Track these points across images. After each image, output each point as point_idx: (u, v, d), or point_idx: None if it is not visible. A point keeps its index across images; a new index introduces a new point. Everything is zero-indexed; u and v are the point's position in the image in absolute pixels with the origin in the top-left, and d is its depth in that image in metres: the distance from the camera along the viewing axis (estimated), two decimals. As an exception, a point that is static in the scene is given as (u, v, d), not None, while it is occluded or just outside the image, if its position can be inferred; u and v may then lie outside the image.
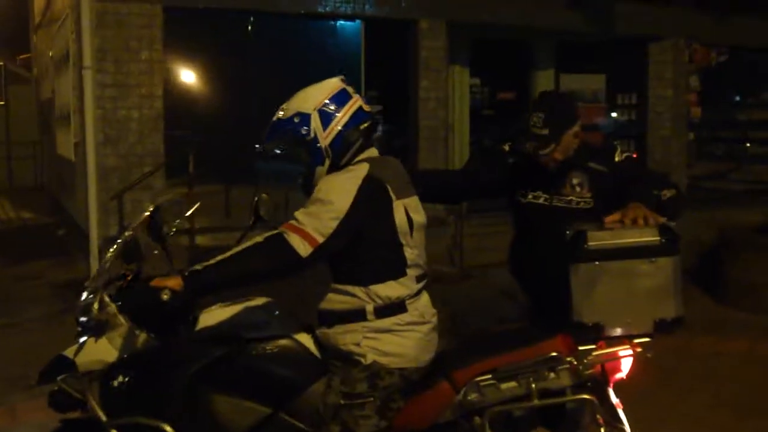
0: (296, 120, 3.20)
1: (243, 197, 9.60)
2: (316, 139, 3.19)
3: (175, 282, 3.00)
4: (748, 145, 15.91)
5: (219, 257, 3.03)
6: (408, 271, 3.21)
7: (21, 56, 25.40)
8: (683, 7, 13.13)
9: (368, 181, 3.10)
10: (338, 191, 3.06)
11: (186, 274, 3.02)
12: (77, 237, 10.92)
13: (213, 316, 3.48)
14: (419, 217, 3.31)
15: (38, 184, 21.23)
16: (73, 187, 11.29)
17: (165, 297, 2.99)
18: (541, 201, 3.99)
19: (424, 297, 3.34)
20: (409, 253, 3.21)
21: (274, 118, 3.28)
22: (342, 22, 11.86)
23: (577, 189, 3.91)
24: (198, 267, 3.02)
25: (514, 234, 4.25)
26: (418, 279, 3.27)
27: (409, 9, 11.14)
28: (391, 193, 3.16)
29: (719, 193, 14.61)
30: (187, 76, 10.58)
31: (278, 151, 3.31)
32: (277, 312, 3.58)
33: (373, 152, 3.32)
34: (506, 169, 4.10)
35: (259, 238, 3.03)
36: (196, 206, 4.22)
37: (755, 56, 15.13)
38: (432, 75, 11.29)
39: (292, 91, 3.34)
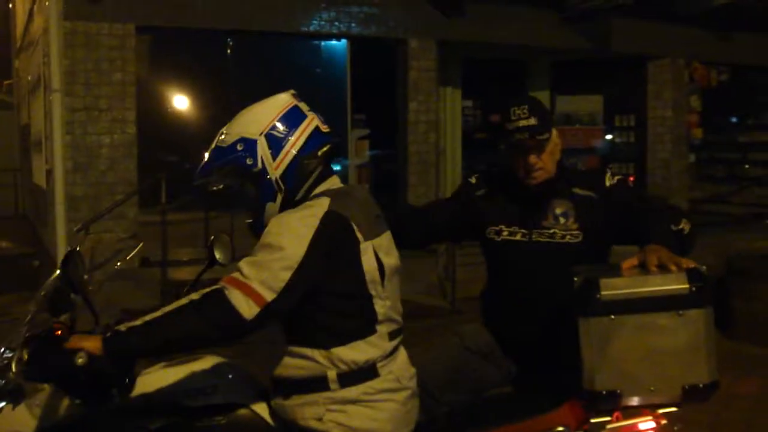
0: (239, 147, 2.66)
1: (224, 226, 9.12)
2: (264, 171, 2.65)
3: (93, 344, 2.49)
4: (746, 166, 15.49)
5: (147, 317, 2.50)
6: (379, 327, 2.66)
7: (6, 81, 25.12)
8: (683, 24, 12.80)
9: (329, 219, 2.56)
10: (291, 234, 2.52)
11: (107, 334, 2.51)
12: (51, 269, 10.39)
13: (152, 379, 2.94)
14: (392, 259, 2.76)
15: (19, 212, 20.75)
16: (46, 217, 10.82)
17: (80, 361, 2.48)
18: (518, 237, 3.37)
19: (401, 356, 2.79)
20: (380, 306, 2.66)
21: (213, 145, 2.73)
22: (327, 41, 11.40)
23: (561, 220, 3.30)
24: (122, 327, 2.51)
25: (487, 280, 3.62)
26: (392, 335, 2.71)
27: (397, 28, 10.78)
28: (358, 234, 2.61)
29: (721, 217, 14.24)
30: (162, 98, 10.05)
31: (216, 188, 2.77)
32: (230, 375, 3.02)
33: (334, 182, 2.78)
34: (474, 204, 3.52)
35: (194, 295, 2.49)
36: (137, 249, 3.66)
37: (757, 75, 14.74)
38: (422, 97, 10.93)
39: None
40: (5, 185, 21.57)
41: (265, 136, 2.64)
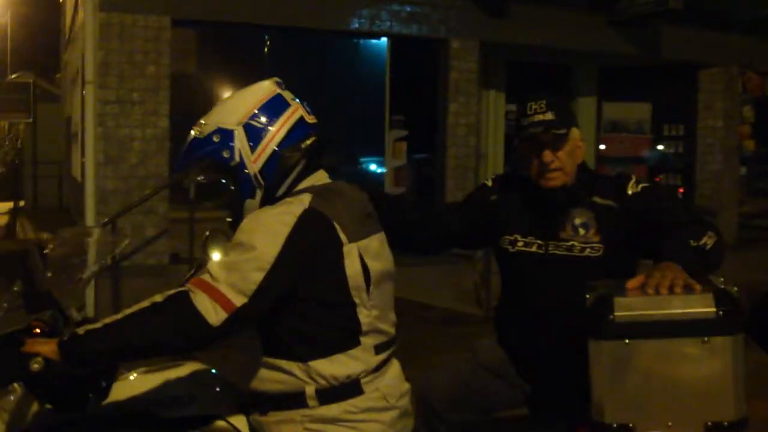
0: (216, 139, 2.43)
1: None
2: (242, 164, 2.42)
3: (49, 348, 2.28)
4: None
5: (108, 319, 2.28)
6: (363, 339, 2.41)
7: (58, 74, 25.40)
8: (736, 32, 12.44)
9: (307, 218, 2.31)
10: (264, 233, 2.28)
11: (65, 338, 2.30)
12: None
13: (127, 386, 2.74)
14: (380, 264, 2.50)
15: (63, 204, 20.89)
16: (82, 210, 10.75)
17: (35, 367, 2.29)
18: (534, 249, 3.10)
19: (391, 372, 2.53)
20: (365, 316, 2.40)
21: (189, 137, 2.49)
22: (367, 39, 11.19)
23: (581, 231, 3.03)
24: (80, 331, 2.29)
25: (501, 292, 3.36)
26: (379, 349, 2.46)
27: (438, 27, 10.53)
28: (341, 234, 2.36)
29: (773, 233, 13.83)
30: (196, 93, 9.90)
31: (192, 183, 2.53)
32: (210, 384, 2.80)
33: (320, 177, 2.54)
34: (489, 209, 3.25)
35: (158, 297, 2.26)
36: (124, 244, 3.45)
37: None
38: (462, 99, 10.64)
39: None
40: (50, 177, 21.80)
41: (244, 126, 2.42)
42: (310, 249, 2.31)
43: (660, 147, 13.36)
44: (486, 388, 3.17)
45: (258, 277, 2.22)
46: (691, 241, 2.66)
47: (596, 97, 12.52)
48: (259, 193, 2.43)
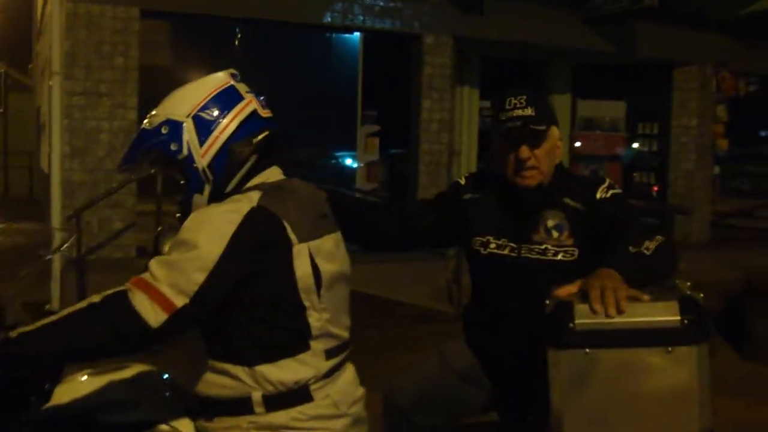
0: (164, 131, 2.30)
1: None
2: (190, 158, 2.29)
3: None
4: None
5: (42, 321, 2.15)
6: (313, 344, 2.29)
7: (30, 65, 25.12)
8: (711, 32, 12.45)
9: (254, 216, 2.20)
10: (208, 231, 2.16)
11: None
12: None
13: (69, 389, 2.60)
14: (333, 265, 2.39)
15: (33, 195, 20.67)
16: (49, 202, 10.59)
17: None
18: (506, 252, 2.98)
19: (344, 378, 2.42)
20: (315, 319, 2.29)
21: (141, 128, 2.37)
22: (339, 34, 11.09)
23: (554, 234, 2.91)
24: (12, 334, 2.15)
25: (471, 294, 3.24)
26: (330, 354, 2.34)
27: (412, 22, 10.45)
28: (291, 234, 2.24)
29: (745, 232, 13.95)
30: (165, 86, 9.69)
31: (138, 177, 2.42)
32: (156, 387, 2.68)
33: (273, 173, 2.42)
34: (461, 208, 3.13)
35: (95, 298, 2.13)
36: (69, 241, 3.31)
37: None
38: (436, 95, 10.59)
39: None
40: (21, 168, 21.60)
41: (193, 118, 2.28)
42: (257, 248, 2.19)
43: (634, 145, 13.39)
44: (454, 392, 3.08)
45: (200, 277, 2.10)
46: (630, 247, 2.57)
47: (570, 95, 12.51)
48: (207, 189, 2.31)
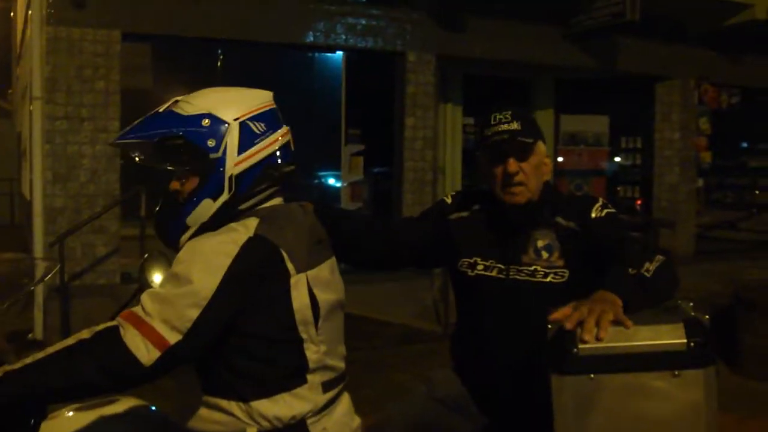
0: (205, 123, 2.22)
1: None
2: (222, 161, 2.22)
3: None
4: (757, 192, 15.12)
5: (29, 359, 2.07)
6: (310, 377, 2.24)
7: (10, 90, 24.96)
8: (693, 45, 12.51)
9: (252, 246, 2.13)
10: (202, 265, 2.09)
11: None
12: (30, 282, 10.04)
13: (57, 425, 2.53)
14: (330, 294, 2.33)
15: (15, 222, 20.49)
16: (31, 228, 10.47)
17: None
18: (494, 273, 2.90)
19: (339, 409, 2.37)
20: (313, 352, 2.24)
21: (161, 109, 2.29)
22: (322, 53, 11.04)
23: (544, 254, 2.84)
24: None
25: (458, 319, 3.19)
26: (327, 386, 2.29)
27: (395, 40, 10.40)
28: (289, 264, 2.18)
29: (729, 244, 13.96)
30: (148, 109, 9.63)
31: (139, 159, 2.34)
32: (146, 422, 2.60)
33: (275, 202, 2.36)
34: (446, 228, 3.06)
35: (85, 334, 2.06)
36: (54, 270, 3.24)
37: (768, 98, 14.37)
38: (419, 112, 10.53)
39: None
40: (2, 194, 21.42)
41: (240, 123, 2.22)
42: (254, 281, 2.13)
43: (617, 159, 13.35)
44: (442, 423, 2.99)
45: (193, 313, 2.04)
46: (630, 269, 2.50)
47: (553, 110, 12.46)
48: (223, 198, 2.23)
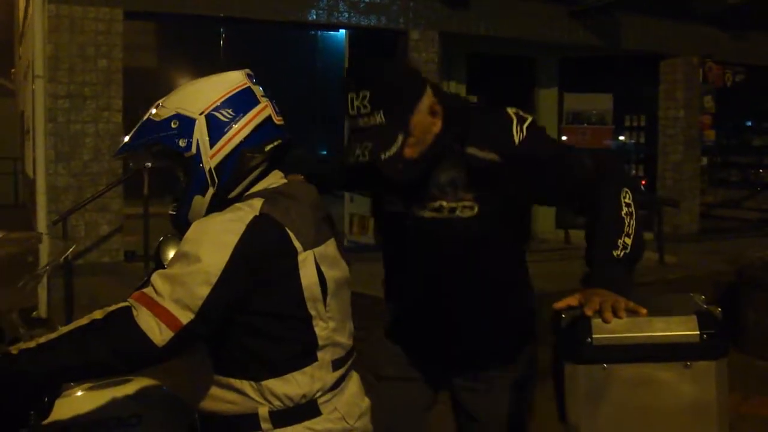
0: (173, 125, 2.21)
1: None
2: (197, 157, 2.21)
3: None
4: (761, 171, 15.11)
5: (42, 338, 2.08)
6: (320, 355, 2.23)
7: (13, 69, 24.90)
8: (697, 23, 12.41)
9: (258, 225, 2.12)
10: (210, 243, 2.08)
11: None
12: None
13: (70, 404, 2.55)
14: (337, 271, 2.33)
15: (19, 201, 20.49)
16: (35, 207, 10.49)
17: None
18: (400, 209, 2.72)
19: (350, 388, 2.37)
20: (322, 329, 2.23)
21: (144, 117, 2.29)
22: (324, 31, 10.98)
23: (448, 190, 2.61)
24: (13, 350, 2.08)
25: (383, 253, 3.03)
26: (337, 364, 2.29)
27: (398, 18, 10.35)
28: (295, 242, 2.17)
29: (734, 222, 13.98)
30: (151, 87, 9.65)
31: (137, 167, 2.33)
32: (158, 402, 2.62)
33: (274, 179, 2.34)
34: (355, 167, 2.66)
35: (98, 314, 2.07)
36: (71, 250, 3.23)
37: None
38: (423, 91, 10.38)
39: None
40: (5, 173, 21.41)
41: (206, 116, 2.20)
42: (261, 259, 2.12)
43: (622, 138, 13.30)
44: (409, 397, 2.96)
45: (204, 291, 2.03)
46: (614, 252, 2.41)
47: (557, 89, 12.44)
48: (210, 191, 2.22)
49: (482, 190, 2.60)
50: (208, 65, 10.31)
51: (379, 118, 2.42)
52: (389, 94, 2.45)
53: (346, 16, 10.04)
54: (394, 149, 2.43)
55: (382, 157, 2.41)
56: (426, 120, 2.53)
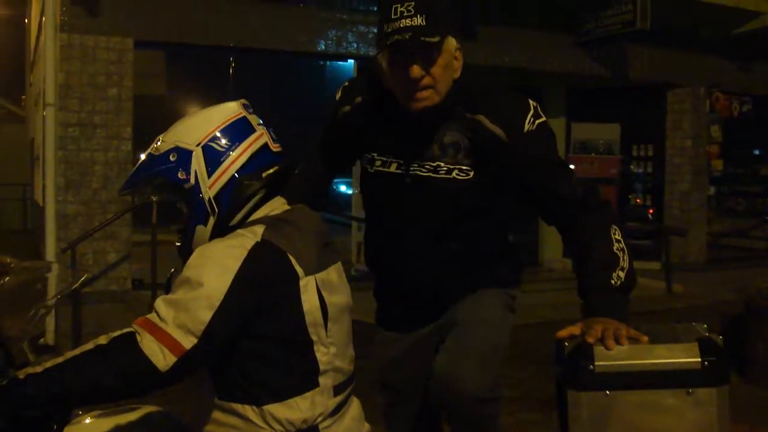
0: (172, 158, 2.25)
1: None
2: (197, 188, 2.25)
3: None
4: (768, 200, 15.09)
5: (49, 363, 2.10)
6: (321, 380, 2.24)
7: (24, 96, 25.12)
8: (704, 53, 12.48)
9: (259, 251, 2.15)
10: (212, 268, 2.11)
11: (3, 383, 2.11)
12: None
13: (79, 431, 2.52)
14: (339, 297, 2.34)
15: (27, 227, 20.59)
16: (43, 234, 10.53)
17: None
18: (392, 169, 2.72)
19: (351, 412, 2.38)
20: (323, 354, 2.24)
21: (146, 153, 2.33)
22: (333, 61, 11.04)
23: (450, 152, 2.64)
24: (19, 375, 2.11)
25: (366, 216, 3.08)
26: (338, 389, 2.30)
27: (406, 48, 10.28)
28: (297, 267, 2.19)
29: (741, 251, 13.95)
30: (160, 116, 9.74)
31: (142, 201, 2.37)
32: (163, 428, 2.62)
33: (277, 204, 2.37)
34: (343, 125, 2.81)
35: (102, 339, 2.09)
36: (82, 279, 3.25)
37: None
38: (431, 120, 10.42)
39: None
40: (14, 200, 21.51)
41: (203, 147, 2.24)
42: (263, 284, 2.14)
43: (629, 167, 13.33)
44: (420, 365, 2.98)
45: (207, 315, 2.05)
46: (611, 281, 2.46)
47: (565, 118, 12.47)
48: (211, 220, 2.25)
49: (481, 159, 2.64)
50: (217, 93, 10.40)
51: (420, 19, 2.48)
52: (435, 6, 2.53)
53: (355, 46, 10.11)
54: (436, 38, 2.48)
55: (422, 38, 2.46)
56: (451, 58, 2.60)
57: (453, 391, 2.68)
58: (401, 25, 2.48)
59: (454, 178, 2.66)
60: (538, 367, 6.27)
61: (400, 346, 3.05)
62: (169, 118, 2.45)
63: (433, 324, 2.95)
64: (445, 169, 2.66)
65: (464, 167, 2.65)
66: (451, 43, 2.58)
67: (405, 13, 2.49)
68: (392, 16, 2.50)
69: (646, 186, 13.19)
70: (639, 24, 10.31)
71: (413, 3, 2.49)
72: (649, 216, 13.04)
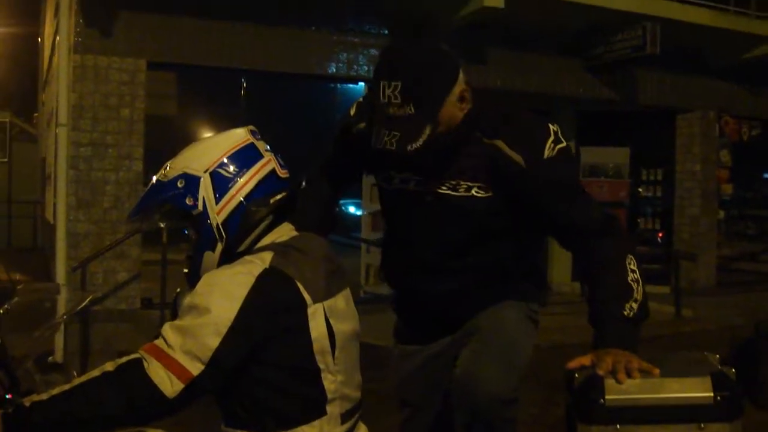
0: (180, 184, 2.26)
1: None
2: (205, 214, 2.25)
3: None
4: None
5: (55, 390, 2.10)
6: (329, 408, 2.24)
7: (36, 114, 25.21)
8: (713, 77, 12.48)
9: (267, 278, 2.15)
10: (220, 294, 2.11)
11: (8, 410, 2.09)
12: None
13: None
14: (347, 325, 2.34)
15: (38, 245, 20.59)
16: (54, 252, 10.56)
17: None
18: (411, 187, 2.70)
19: None
20: (330, 381, 2.24)
21: (153, 179, 2.35)
22: (344, 84, 11.08)
23: (468, 173, 2.61)
24: (25, 402, 2.09)
25: (385, 230, 3.06)
26: (346, 417, 2.29)
27: (416, 71, 10.32)
28: (305, 294, 2.19)
29: (751, 275, 13.91)
30: (171, 136, 9.77)
31: (148, 227, 2.38)
32: None
33: (285, 231, 2.37)
34: (358, 142, 2.75)
35: (109, 366, 2.08)
36: (87, 301, 3.27)
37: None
38: (441, 143, 10.44)
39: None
40: (26, 217, 21.53)
41: (211, 174, 2.25)
42: (271, 311, 2.14)
43: (639, 191, 13.32)
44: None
45: (214, 342, 2.05)
46: (624, 311, 2.44)
47: (574, 142, 12.43)
48: (219, 246, 2.26)
49: (498, 182, 2.61)
50: (228, 115, 10.45)
51: (409, 109, 2.41)
52: (421, 87, 2.43)
53: (366, 69, 10.14)
54: (420, 141, 2.42)
55: (409, 148, 2.42)
56: (454, 108, 2.53)
57: (476, 392, 2.66)
58: (390, 113, 2.44)
59: (473, 195, 2.64)
60: (547, 390, 6.24)
61: (418, 359, 3.05)
62: (180, 138, 2.47)
63: (452, 336, 2.94)
64: (465, 186, 2.65)
65: (483, 185, 2.64)
66: (451, 99, 2.51)
67: (393, 99, 2.42)
68: (381, 99, 2.45)
69: (655, 210, 13.16)
70: (649, 49, 10.34)
71: (400, 85, 2.41)
72: (659, 240, 13.01)
